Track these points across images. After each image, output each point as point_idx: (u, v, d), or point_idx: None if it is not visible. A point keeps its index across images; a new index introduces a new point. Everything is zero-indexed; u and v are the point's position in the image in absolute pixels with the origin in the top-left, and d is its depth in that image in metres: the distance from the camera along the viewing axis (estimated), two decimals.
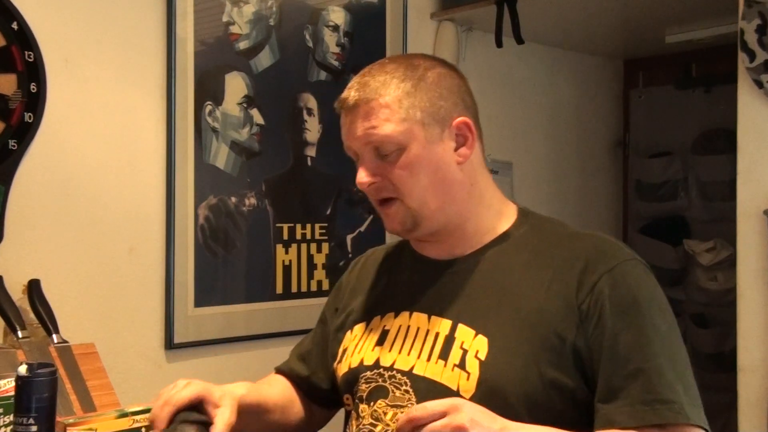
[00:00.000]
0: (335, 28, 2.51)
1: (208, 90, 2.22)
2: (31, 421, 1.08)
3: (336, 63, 2.52)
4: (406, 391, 1.17)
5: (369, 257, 1.44)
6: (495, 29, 2.59)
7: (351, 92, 1.21)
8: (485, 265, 1.22)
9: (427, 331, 1.20)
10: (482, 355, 1.13)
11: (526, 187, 3.09)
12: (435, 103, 1.19)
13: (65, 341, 1.75)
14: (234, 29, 2.28)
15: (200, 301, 2.20)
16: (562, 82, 3.31)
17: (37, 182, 1.93)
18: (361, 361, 1.24)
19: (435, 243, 1.27)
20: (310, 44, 2.46)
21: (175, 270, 2.15)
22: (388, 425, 1.17)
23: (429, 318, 1.22)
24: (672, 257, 3.21)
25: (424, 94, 1.19)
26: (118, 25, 2.06)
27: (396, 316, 1.26)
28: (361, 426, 1.21)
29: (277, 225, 2.38)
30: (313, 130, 2.46)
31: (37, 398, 1.09)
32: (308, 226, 2.45)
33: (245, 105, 2.30)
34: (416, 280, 1.28)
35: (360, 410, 1.22)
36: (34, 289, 1.82)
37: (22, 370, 1.10)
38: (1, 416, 1.21)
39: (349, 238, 2.55)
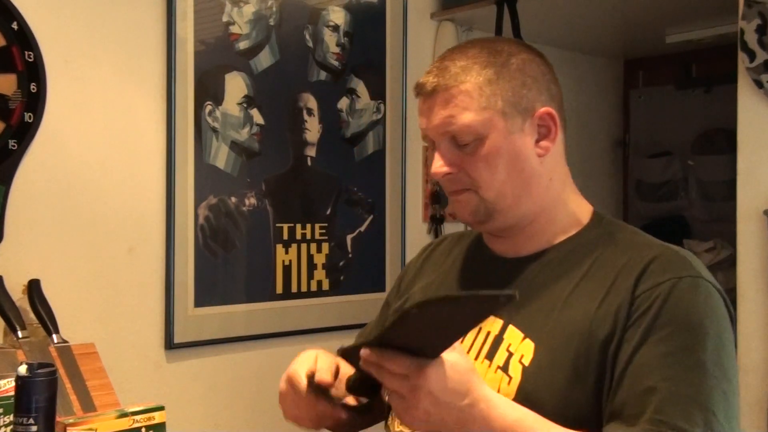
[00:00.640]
0: (335, 28, 2.51)
1: (208, 90, 2.22)
2: (31, 421, 1.08)
3: (336, 63, 2.52)
4: None
5: (440, 243, 1.39)
6: (495, 29, 2.59)
7: (430, 77, 1.15)
8: (548, 267, 1.16)
9: (480, 329, 1.15)
10: (526, 361, 1.09)
11: None
12: (518, 92, 1.13)
13: (65, 341, 1.75)
14: (234, 29, 2.28)
15: (200, 301, 2.20)
16: (562, 82, 3.27)
17: (37, 182, 1.93)
18: None
19: (503, 239, 1.21)
20: (310, 44, 2.46)
21: (175, 270, 2.15)
22: None
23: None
24: None
25: (506, 82, 1.13)
26: (118, 25, 2.06)
27: None
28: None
29: (277, 225, 2.38)
30: (313, 130, 2.46)
31: (37, 398, 1.09)
32: (308, 226, 2.45)
33: (245, 105, 2.30)
34: (478, 274, 1.23)
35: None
36: (34, 289, 1.82)
37: (22, 370, 1.10)
38: (1, 416, 1.21)
39: (349, 238, 2.55)
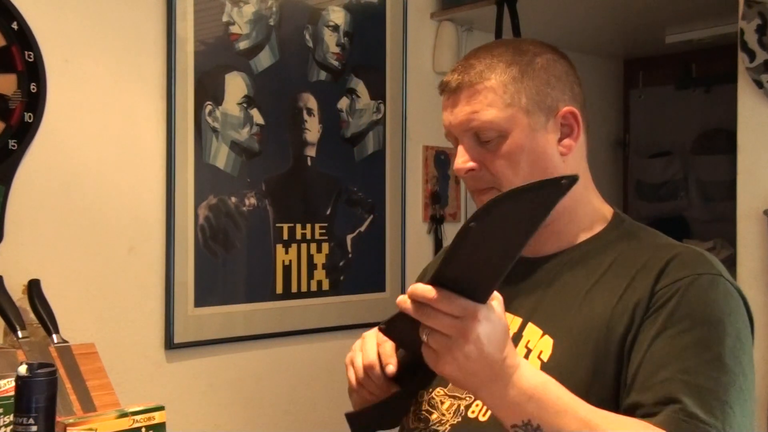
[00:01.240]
0: (335, 28, 2.51)
1: (208, 90, 2.22)
2: (31, 421, 1.08)
3: (336, 63, 2.52)
4: None
5: None
6: (495, 29, 2.59)
7: (455, 75, 1.15)
8: (567, 266, 1.16)
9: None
10: (545, 356, 1.09)
11: None
12: (542, 91, 1.14)
13: (65, 341, 1.75)
14: (234, 29, 2.28)
15: (200, 301, 2.20)
16: None
17: (37, 182, 1.93)
18: None
19: None
20: (310, 44, 2.46)
21: (175, 270, 2.15)
22: (444, 414, 1.14)
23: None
24: None
25: (530, 81, 1.14)
26: (118, 25, 2.06)
27: None
28: (417, 411, 1.18)
29: (277, 225, 2.38)
30: (313, 130, 2.46)
31: (37, 398, 1.09)
32: (308, 226, 2.45)
33: (245, 105, 2.30)
34: None
35: (418, 395, 1.20)
36: (34, 289, 1.82)
37: (22, 370, 1.10)
38: (1, 416, 1.21)
39: (349, 238, 2.55)
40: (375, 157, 2.62)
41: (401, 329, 0.99)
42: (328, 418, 2.37)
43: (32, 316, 1.80)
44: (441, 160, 2.81)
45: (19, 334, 1.70)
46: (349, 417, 1.17)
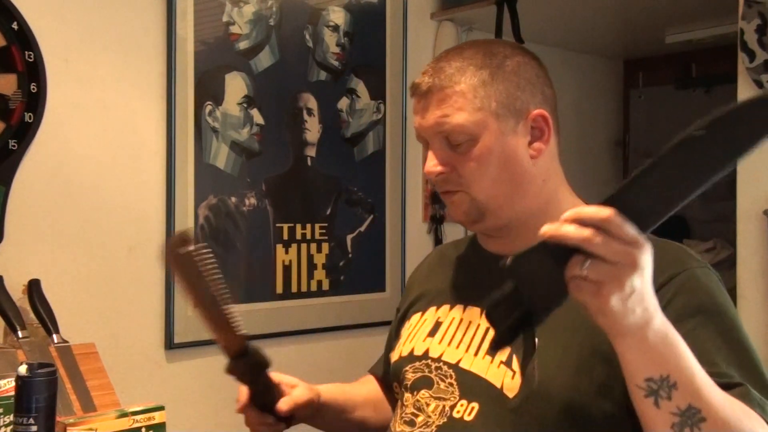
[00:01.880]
0: (335, 28, 2.51)
1: (208, 90, 2.22)
2: (31, 421, 1.08)
3: (336, 63, 2.52)
4: (451, 384, 1.15)
5: (438, 252, 1.42)
6: (495, 29, 2.59)
7: (425, 77, 1.16)
8: None
9: (478, 325, 1.17)
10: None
11: None
12: (512, 94, 1.14)
13: (65, 341, 1.75)
14: (234, 29, 2.28)
15: None
16: (562, 82, 3.30)
17: (37, 182, 1.93)
18: (412, 351, 1.23)
19: (499, 238, 1.22)
20: (310, 44, 2.46)
21: None
22: (429, 416, 1.15)
23: (481, 313, 1.18)
24: None
25: (501, 84, 1.14)
26: (118, 25, 2.06)
27: (451, 308, 1.23)
28: (403, 415, 1.19)
29: (277, 225, 2.38)
30: (313, 130, 2.46)
31: (37, 398, 1.09)
32: (308, 226, 2.45)
33: (245, 105, 2.30)
34: (475, 274, 1.24)
35: (404, 399, 1.21)
36: (34, 289, 1.82)
37: (22, 370, 1.10)
38: (1, 416, 1.21)
39: (349, 238, 2.55)
40: (375, 157, 2.62)
41: (534, 267, 0.87)
42: None
43: (32, 316, 1.80)
44: None
45: (19, 334, 1.70)
46: None
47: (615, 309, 0.84)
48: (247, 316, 2.30)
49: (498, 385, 1.10)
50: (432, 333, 1.22)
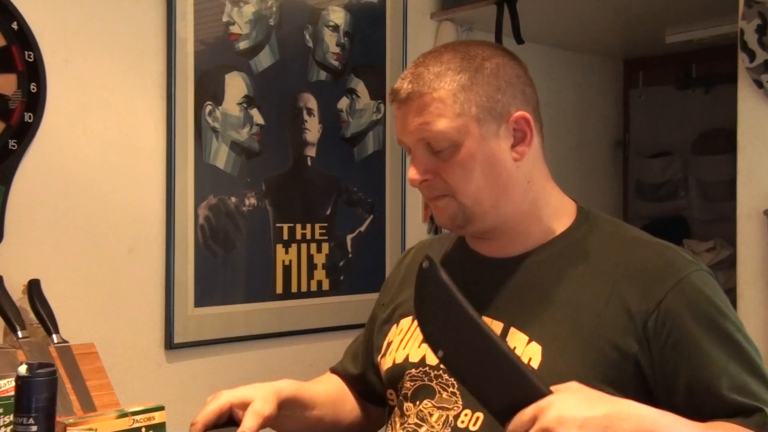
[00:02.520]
0: (335, 28, 2.51)
1: (208, 90, 2.22)
2: (31, 421, 1.08)
3: (336, 63, 2.52)
4: (453, 393, 1.13)
5: (419, 249, 1.39)
6: (495, 29, 2.59)
7: (404, 83, 1.14)
8: (541, 267, 1.16)
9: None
10: (535, 364, 1.08)
11: None
12: (492, 97, 1.12)
13: (65, 341, 1.75)
14: (234, 29, 2.28)
15: (200, 301, 2.20)
16: (562, 82, 3.32)
17: (37, 182, 1.93)
18: (407, 358, 1.21)
19: (488, 240, 1.21)
20: (310, 44, 2.46)
21: (175, 270, 2.15)
22: (433, 427, 1.13)
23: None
24: None
25: (480, 88, 1.12)
26: (118, 25, 2.06)
27: None
28: (406, 425, 1.18)
29: (277, 225, 2.38)
30: (313, 130, 2.46)
31: (37, 398, 1.09)
32: (308, 226, 2.45)
33: (245, 105, 2.30)
34: (467, 276, 1.21)
35: (405, 408, 1.19)
36: (34, 289, 1.82)
37: (22, 370, 1.10)
38: (1, 416, 1.21)
39: (349, 238, 2.55)
40: (375, 157, 2.62)
41: None
42: None
43: (32, 316, 1.80)
44: None
45: (19, 334, 1.70)
46: None
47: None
48: (247, 316, 2.31)
49: None
50: None
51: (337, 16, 2.52)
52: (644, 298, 1.07)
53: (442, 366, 1.15)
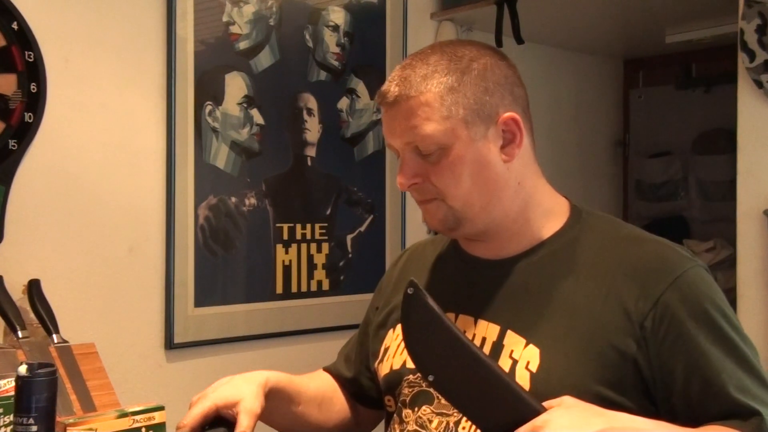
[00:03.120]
0: (335, 28, 2.51)
1: (208, 90, 2.22)
2: (31, 421, 1.08)
3: (336, 63, 2.52)
4: None
5: (413, 252, 1.39)
6: (495, 29, 2.59)
7: (391, 86, 1.13)
8: (536, 268, 1.15)
9: (473, 335, 1.14)
10: (533, 367, 1.07)
11: None
12: (480, 99, 1.11)
13: (65, 341, 1.75)
14: (234, 29, 2.28)
15: (200, 301, 2.20)
16: (562, 82, 3.32)
17: (37, 182, 1.93)
18: (404, 364, 1.20)
19: (481, 242, 1.20)
20: (310, 44, 2.46)
21: (175, 270, 2.15)
22: None
23: (476, 321, 1.16)
24: None
25: (468, 89, 1.11)
26: (118, 25, 2.06)
27: None
28: (405, 431, 1.17)
29: (277, 225, 2.38)
30: (313, 130, 2.46)
31: (37, 398, 1.09)
32: (308, 226, 2.45)
33: (245, 105, 2.30)
34: (462, 279, 1.22)
35: (404, 415, 1.18)
36: (34, 289, 1.82)
37: (22, 370, 1.10)
38: (1, 416, 1.21)
39: (349, 238, 2.55)
40: (375, 157, 2.62)
41: None
42: None
43: (32, 316, 1.80)
44: None
45: (19, 334, 1.70)
46: None
47: None
48: (247, 316, 2.31)
49: None
50: None
51: (337, 16, 2.52)
52: (641, 297, 1.07)
53: None
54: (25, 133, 1.90)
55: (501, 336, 1.12)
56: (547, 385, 1.04)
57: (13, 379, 1.14)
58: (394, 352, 1.23)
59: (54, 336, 1.75)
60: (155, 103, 2.13)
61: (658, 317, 1.06)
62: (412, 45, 2.70)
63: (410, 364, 1.18)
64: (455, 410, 1.11)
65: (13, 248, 1.89)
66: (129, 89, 2.09)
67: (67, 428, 1.25)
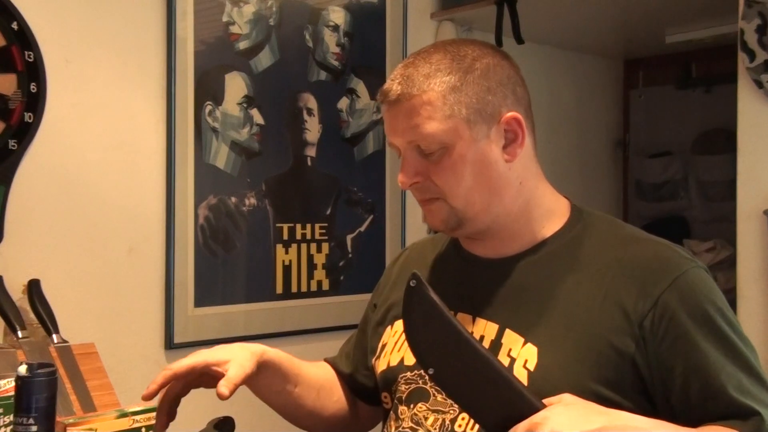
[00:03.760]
0: (335, 28, 2.51)
1: (208, 90, 2.22)
2: (31, 421, 1.08)
3: (336, 63, 2.52)
4: None
5: (413, 250, 1.39)
6: (495, 29, 2.59)
7: (394, 85, 1.12)
8: (535, 268, 1.15)
9: (471, 333, 1.13)
10: (531, 366, 1.07)
11: None
12: (482, 98, 1.11)
13: (65, 341, 1.75)
14: (234, 29, 2.28)
15: (200, 301, 2.20)
16: (562, 82, 3.31)
17: (37, 182, 1.93)
18: (401, 360, 1.20)
19: (482, 241, 1.20)
20: (310, 44, 2.46)
21: (175, 270, 2.15)
22: (429, 430, 1.13)
23: (474, 320, 1.16)
24: None
25: (470, 89, 1.10)
26: (118, 25, 2.06)
27: None
28: (400, 428, 1.17)
29: (277, 225, 2.38)
30: (313, 130, 2.46)
31: (37, 398, 1.09)
32: (308, 226, 2.45)
33: (245, 105, 2.30)
34: (461, 278, 1.22)
35: (399, 412, 1.18)
36: (34, 289, 1.82)
37: (22, 370, 1.10)
38: (1, 416, 1.21)
39: (349, 238, 2.55)
40: (375, 157, 2.62)
41: None
42: None
43: (32, 316, 1.80)
44: None
45: (19, 334, 1.70)
46: None
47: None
48: (247, 316, 2.31)
49: None
50: None
51: (337, 16, 2.52)
52: (640, 297, 1.07)
53: None
54: (25, 133, 1.90)
55: (499, 334, 1.12)
56: (545, 384, 1.04)
57: (13, 379, 1.14)
58: (392, 349, 1.24)
59: (54, 336, 1.75)
60: (155, 103, 2.13)
61: (657, 317, 1.06)
62: (412, 45, 2.70)
63: (407, 362, 1.19)
64: (451, 407, 1.11)
65: (13, 248, 1.89)
66: (129, 89, 2.09)
67: (67, 428, 1.25)
